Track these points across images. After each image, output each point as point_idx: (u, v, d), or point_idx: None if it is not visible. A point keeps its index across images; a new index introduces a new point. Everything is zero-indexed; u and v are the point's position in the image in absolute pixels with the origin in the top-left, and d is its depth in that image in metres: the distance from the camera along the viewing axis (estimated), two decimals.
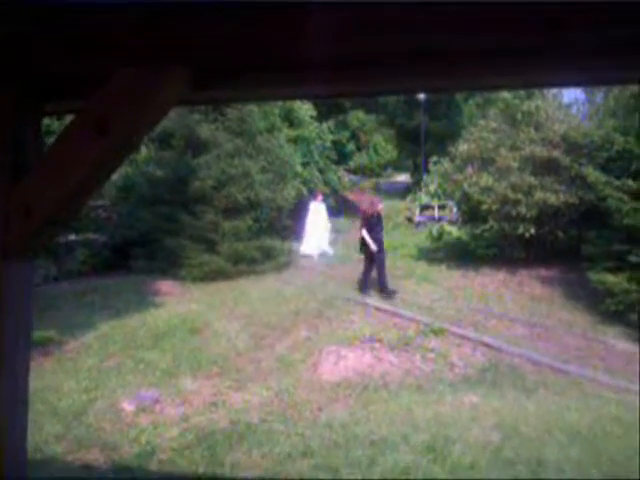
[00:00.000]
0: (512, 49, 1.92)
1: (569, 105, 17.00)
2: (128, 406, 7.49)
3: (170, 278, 13.52)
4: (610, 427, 6.54)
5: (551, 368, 8.73)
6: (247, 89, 2.11)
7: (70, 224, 12.23)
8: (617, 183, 11.16)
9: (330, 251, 16.29)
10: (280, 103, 18.85)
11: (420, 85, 2.37)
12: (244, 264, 13.99)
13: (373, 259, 12.34)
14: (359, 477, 5.44)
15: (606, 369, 8.92)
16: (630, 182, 10.95)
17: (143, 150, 17.67)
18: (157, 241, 14.22)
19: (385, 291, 12.10)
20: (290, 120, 19.94)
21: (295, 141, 19.47)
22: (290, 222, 16.71)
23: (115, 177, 17.39)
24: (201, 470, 5.78)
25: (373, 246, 12.20)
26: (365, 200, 13.69)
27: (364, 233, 12.43)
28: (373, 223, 12.58)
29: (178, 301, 11.99)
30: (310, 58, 1.94)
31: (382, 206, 13.34)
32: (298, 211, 17.93)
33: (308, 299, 11.57)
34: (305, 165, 19.18)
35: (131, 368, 8.84)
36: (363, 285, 12.40)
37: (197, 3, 1.77)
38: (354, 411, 7.25)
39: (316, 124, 21.40)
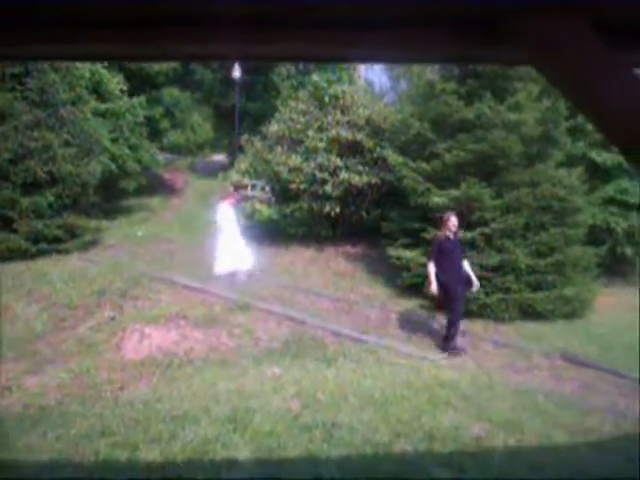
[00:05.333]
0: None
1: (382, 92, 17.91)
2: None
3: None
4: (401, 391, 7.00)
5: (351, 338, 9.22)
6: (22, 46, 2.01)
7: None
8: (413, 165, 11.91)
9: (249, 267, 12.08)
10: (87, 74, 17.98)
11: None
12: (45, 243, 13.34)
13: (449, 300, 9.16)
14: (158, 452, 5.42)
15: (400, 338, 9.58)
16: (424, 164, 11.74)
17: None
18: None
19: (448, 346, 9.12)
20: (98, 93, 19.04)
21: (104, 115, 18.64)
22: (97, 199, 16.02)
23: None
24: None
25: (434, 286, 9.03)
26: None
27: (430, 267, 9.14)
28: (447, 249, 9.14)
29: None
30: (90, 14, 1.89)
31: (456, 221, 9.30)
32: (109, 189, 17.32)
33: (113, 278, 11.24)
34: (114, 141, 18.45)
35: None
36: (450, 339, 9.18)
37: None
38: (157, 388, 7.20)
39: (127, 98, 20.62)
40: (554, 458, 5.25)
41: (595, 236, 12.71)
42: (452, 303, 9.13)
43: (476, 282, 9.29)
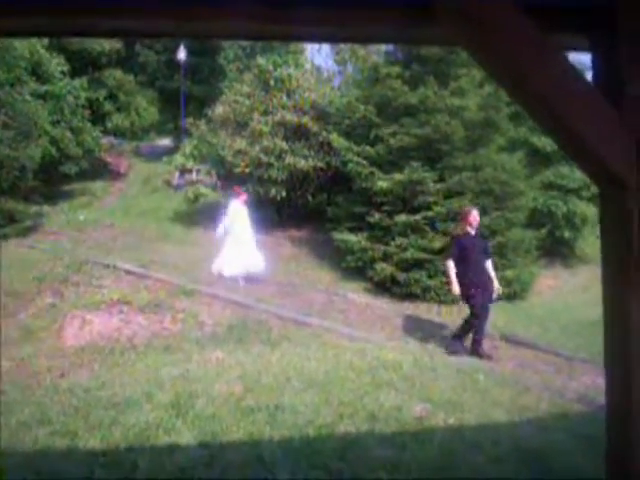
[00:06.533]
0: None
1: (329, 76, 17.84)
2: None
3: None
4: (344, 373, 7.04)
5: (295, 322, 9.23)
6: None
7: None
8: (357, 149, 11.95)
9: (261, 269, 11.34)
10: (26, 54, 17.44)
11: None
12: None
13: (473, 305, 8.42)
14: (98, 439, 5.34)
15: (344, 320, 9.64)
16: (368, 148, 11.79)
17: None
18: None
19: (478, 350, 8.47)
20: (38, 74, 18.47)
21: (44, 97, 18.08)
22: (38, 184, 15.62)
23: None
24: None
25: (455, 286, 8.36)
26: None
27: (449, 265, 8.49)
28: (467, 248, 8.43)
29: None
30: None
31: (477, 216, 8.60)
32: (50, 173, 16.91)
33: (54, 264, 11.03)
34: (55, 123, 17.94)
35: None
36: (456, 339, 8.69)
37: None
38: (98, 375, 7.09)
39: (68, 80, 20.04)
40: (493, 435, 5.37)
41: (535, 219, 13.02)
42: (474, 309, 8.45)
43: (496, 285, 8.61)
